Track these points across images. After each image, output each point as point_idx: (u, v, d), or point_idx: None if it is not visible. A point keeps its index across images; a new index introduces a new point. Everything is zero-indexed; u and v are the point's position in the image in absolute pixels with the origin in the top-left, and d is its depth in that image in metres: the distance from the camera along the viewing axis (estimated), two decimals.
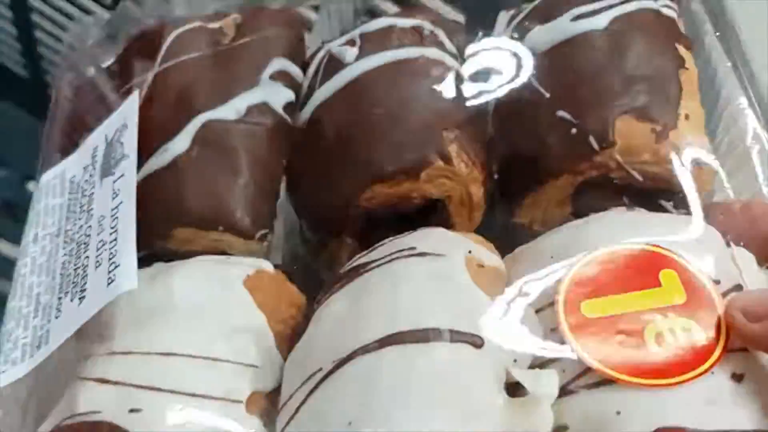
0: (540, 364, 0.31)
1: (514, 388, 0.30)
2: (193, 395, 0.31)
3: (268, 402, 0.34)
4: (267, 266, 0.37)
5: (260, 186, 0.42)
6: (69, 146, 0.45)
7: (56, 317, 0.35)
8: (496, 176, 0.42)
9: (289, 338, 0.36)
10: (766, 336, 0.29)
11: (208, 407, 0.32)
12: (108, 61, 0.47)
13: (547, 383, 0.29)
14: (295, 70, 0.44)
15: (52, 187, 0.43)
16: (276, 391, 0.35)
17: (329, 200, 0.40)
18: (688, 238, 0.34)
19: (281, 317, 0.36)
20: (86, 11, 0.71)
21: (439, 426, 0.28)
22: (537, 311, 0.33)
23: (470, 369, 0.30)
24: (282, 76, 0.43)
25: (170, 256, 0.39)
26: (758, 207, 0.35)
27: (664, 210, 0.38)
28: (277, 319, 0.35)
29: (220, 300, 0.35)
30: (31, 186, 0.75)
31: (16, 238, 0.43)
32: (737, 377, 0.29)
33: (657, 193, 0.39)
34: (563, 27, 0.41)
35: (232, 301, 0.35)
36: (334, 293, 0.34)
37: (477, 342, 0.31)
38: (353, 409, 0.29)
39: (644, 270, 0.32)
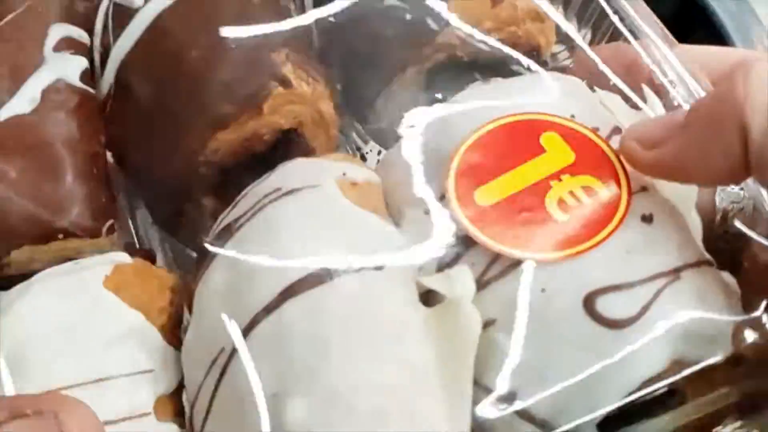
0: (447, 264, 0.29)
1: (429, 298, 0.29)
2: None
3: (176, 402, 0.31)
4: (123, 258, 0.33)
5: (88, 175, 0.37)
6: None
7: None
8: (339, 87, 0.39)
9: (173, 327, 0.33)
10: (663, 163, 0.28)
11: None
12: None
13: (461, 281, 0.28)
14: (79, 33, 0.38)
15: None
16: (181, 388, 0.31)
17: (171, 167, 0.36)
18: (553, 95, 0.33)
19: (158, 307, 0.32)
20: None
21: (368, 366, 0.26)
22: (426, 212, 0.31)
23: (379, 294, 0.28)
24: (67, 44, 0.38)
25: (12, 281, 0.34)
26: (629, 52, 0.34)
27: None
28: (155, 311, 0.32)
29: (85, 311, 0.30)
30: None
31: None
32: (647, 218, 0.29)
33: (507, 61, 0.38)
34: None
35: (98, 309, 0.31)
36: (208, 266, 0.30)
37: (377, 265, 0.29)
38: (272, 381, 0.27)
39: (524, 140, 0.31)
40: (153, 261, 0.36)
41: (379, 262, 0.29)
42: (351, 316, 0.27)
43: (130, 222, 0.40)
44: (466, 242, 0.30)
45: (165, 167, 0.36)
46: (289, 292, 0.28)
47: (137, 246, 0.41)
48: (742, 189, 0.32)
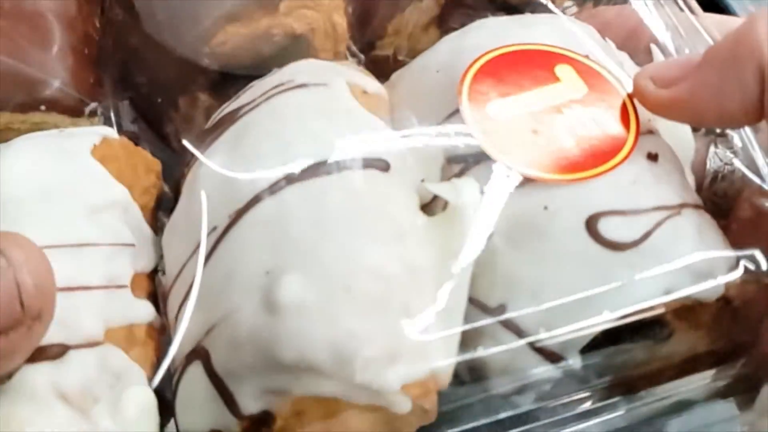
0: (450, 178, 0.30)
1: (431, 208, 0.29)
2: (69, 289, 0.26)
3: (152, 284, 0.30)
4: (111, 133, 0.33)
5: (78, 53, 0.36)
6: None
7: None
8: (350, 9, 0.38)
9: (153, 210, 0.32)
10: (676, 101, 0.28)
11: (89, 300, 0.27)
12: None
13: (467, 190, 0.28)
14: None
15: None
16: (155, 271, 0.31)
17: (174, 53, 0.35)
18: (569, 35, 0.33)
19: (143, 187, 0.32)
20: None
21: (368, 251, 0.26)
22: (439, 123, 0.31)
23: (383, 193, 0.28)
24: None
25: None
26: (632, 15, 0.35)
27: None
28: (139, 189, 0.31)
29: (70, 176, 0.30)
30: None
31: None
32: (653, 157, 0.29)
33: (521, 6, 0.38)
34: None
35: (85, 175, 0.30)
36: (208, 147, 0.30)
37: (383, 166, 0.29)
38: (268, 257, 0.26)
39: (539, 68, 0.32)
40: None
41: (385, 165, 0.29)
42: (354, 209, 0.27)
43: (113, 115, 0.39)
44: (472, 156, 0.30)
45: (168, 52, 0.35)
46: (293, 177, 0.28)
47: None
48: (733, 151, 0.32)
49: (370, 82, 0.33)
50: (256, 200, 0.27)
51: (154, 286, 0.31)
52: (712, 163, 0.33)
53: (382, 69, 0.37)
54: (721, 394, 0.30)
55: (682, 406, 0.30)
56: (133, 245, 0.30)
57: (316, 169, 0.28)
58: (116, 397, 0.26)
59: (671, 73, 0.29)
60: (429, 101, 0.32)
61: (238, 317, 0.26)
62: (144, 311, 0.29)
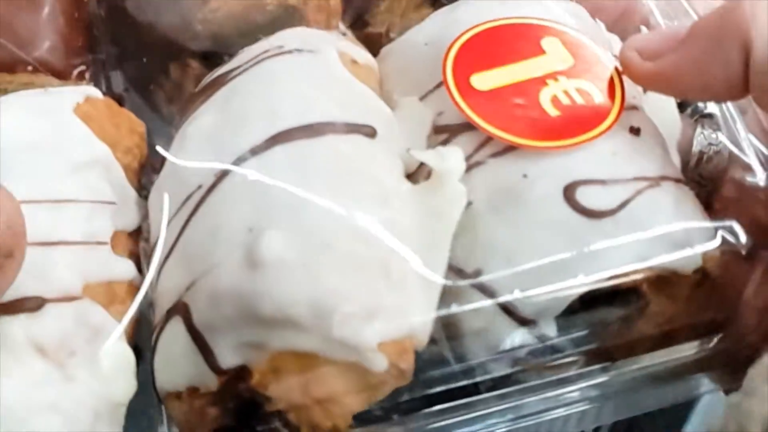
0: (436, 147, 0.30)
1: (416, 177, 0.30)
2: (47, 244, 0.27)
3: (132, 243, 0.31)
4: (95, 93, 0.34)
5: (67, 16, 0.37)
6: None
7: None
8: None
9: (137, 171, 0.33)
10: (660, 75, 0.29)
11: (68, 255, 0.27)
12: None
13: (451, 158, 0.29)
14: None
15: None
16: (138, 231, 0.31)
17: (167, 17, 0.35)
18: (557, 12, 0.34)
19: (125, 147, 0.32)
20: None
21: (351, 211, 0.27)
22: (422, 98, 0.31)
23: (369, 157, 0.29)
24: None
25: None
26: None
27: None
28: (122, 149, 0.32)
29: (53, 134, 0.30)
30: None
31: None
32: (635, 131, 0.30)
33: None
34: None
35: (67, 133, 0.31)
36: (197, 109, 0.31)
37: (369, 132, 0.29)
38: (251, 215, 0.27)
39: (525, 41, 0.32)
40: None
41: (371, 131, 0.30)
42: (338, 170, 0.28)
43: (103, 83, 0.40)
44: (456, 126, 0.30)
45: (161, 17, 0.35)
46: (280, 138, 0.28)
47: None
48: (719, 132, 0.33)
49: (360, 52, 0.34)
50: (242, 159, 0.28)
51: (137, 246, 0.31)
52: (698, 144, 0.34)
53: (374, 46, 0.37)
54: (702, 368, 0.31)
55: (662, 378, 0.30)
56: (114, 203, 0.30)
57: (303, 131, 0.29)
58: (93, 351, 0.27)
59: (657, 45, 0.30)
60: (416, 73, 0.33)
61: (219, 272, 0.27)
62: (124, 269, 0.29)
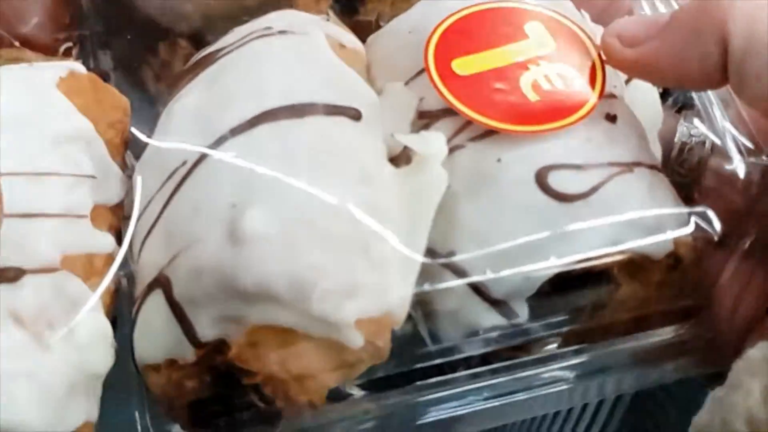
0: (418, 131, 0.31)
1: (398, 161, 0.31)
2: (27, 216, 0.27)
3: (113, 217, 0.31)
4: (79, 68, 0.34)
5: None
6: None
7: None
8: None
9: (119, 146, 0.33)
10: (639, 62, 0.30)
11: (47, 227, 0.28)
12: None
13: (434, 142, 0.30)
14: None
15: None
16: (119, 206, 0.32)
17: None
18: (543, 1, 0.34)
19: (108, 122, 0.33)
20: None
21: (334, 190, 0.28)
22: (406, 83, 0.32)
23: (353, 139, 0.30)
24: None
25: None
26: None
27: None
28: (104, 124, 0.33)
29: (35, 107, 0.31)
30: None
31: None
32: (612, 118, 0.30)
33: None
34: None
35: (49, 107, 0.31)
36: (184, 86, 0.31)
37: (355, 115, 0.30)
38: (234, 191, 0.28)
39: (508, 25, 0.33)
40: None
41: (357, 114, 0.31)
42: (323, 150, 0.29)
43: (91, 60, 0.40)
44: (437, 112, 0.31)
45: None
46: (265, 117, 0.29)
47: None
48: (702, 122, 0.33)
49: (347, 36, 0.35)
50: (227, 136, 0.29)
51: (118, 221, 0.32)
52: (680, 135, 0.34)
53: (363, 34, 0.38)
54: (679, 354, 0.31)
55: (637, 362, 0.31)
56: (94, 177, 0.31)
57: (288, 111, 0.29)
58: (70, 322, 0.27)
59: (637, 32, 0.30)
60: (400, 60, 0.34)
61: (201, 246, 0.28)
62: (103, 242, 0.30)
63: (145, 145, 0.33)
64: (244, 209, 0.27)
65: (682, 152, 0.34)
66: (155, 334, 0.28)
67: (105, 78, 0.36)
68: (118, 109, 0.34)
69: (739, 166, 0.32)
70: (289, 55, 0.32)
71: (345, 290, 0.27)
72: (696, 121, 0.34)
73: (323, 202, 0.28)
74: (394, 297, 0.28)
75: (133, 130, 0.33)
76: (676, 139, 0.35)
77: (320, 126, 0.29)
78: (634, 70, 0.31)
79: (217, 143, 0.29)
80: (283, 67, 0.31)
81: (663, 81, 0.31)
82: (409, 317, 0.29)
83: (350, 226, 0.28)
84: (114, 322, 0.30)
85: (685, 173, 0.34)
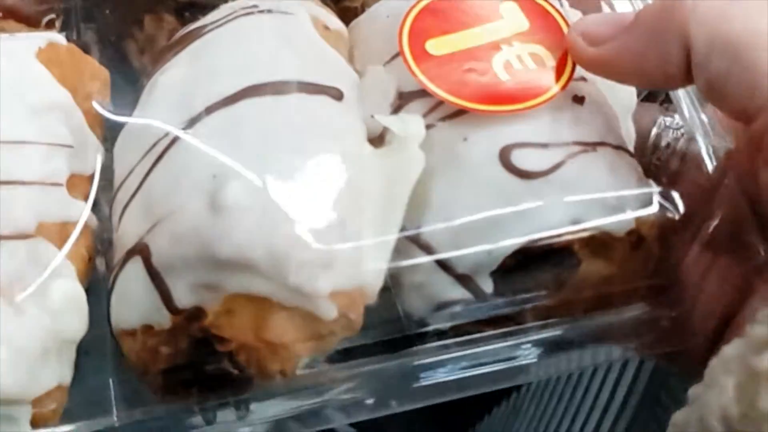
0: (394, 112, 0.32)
1: (377, 142, 0.32)
2: (4, 183, 0.28)
3: (88, 186, 0.32)
4: (59, 39, 0.35)
5: None
6: None
7: None
8: None
9: (97, 117, 0.34)
10: (602, 61, 0.31)
11: (23, 194, 0.29)
12: None
13: (413, 124, 0.31)
14: None
15: None
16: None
17: None
18: None
19: (86, 92, 0.34)
20: None
21: (314, 165, 0.29)
22: (384, 65, 0.33)
23: (334, 117, 0.31)
24: None
25: None
26: None
27: None
28: (83, 95, 0.33)
29: (13, 77, 0.32)
30: None
31: None
32: (579, 99, 0.31)
33: None
34: None
35: (28, 77, 0.32)
36: (169, 60, 0.32)
37: (336, 95, 0.31)
38: (216, 162, 0.29)
39: (483, 6, 0.33)
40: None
41: (339, 94, 0.32)
42: (304, 125, 0.30)
43: (74, 32, 0.40)
44: (412, 93, 0.32)
45: None
46: (249, 92, 0.30)
47: None
48: (679, 119, 0.34)
49: (331, 19, 0.36)
50: (211, 110, 0.30)
51: (93, 190, 0.32)
52: (659, 127, 0.35)
53: (348, 20, 0.39)
54: (644, 332, 0.32)
55: (600, 339, 0.32)
56: (71, 146, 0.31)
57: (272, 87, 0.30)
58: (44, 288, 0.28)
59: (601, 31, 0.31)
60: (378, 44, 0.35)
61: (182, 214, 0.28)
62: (78, 210, 0.31)
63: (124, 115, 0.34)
64: (226, 180, 0.28)
65: (658, 147, 0.35)
66: (132, 300, 0.29)
67: (86, 50, 0.36)
68: (96, 79, 0.35)
69: (704, 149, 0.32)
70: (275, 34, 0.33)
71: (321, 262, 0.28)
72: (676, 116, 0.35)
73: (303, 177, 0.29)
74: (368, 272, 0.29)
75: (100, 107, 0.34)
76: (653, 130, 0.35)
77: (303, 103, 0.30)
78: (597, 68, 0.31)
79: (200, 116, 0.30)
80: (268, 45, 0.32)
81: (624, 80, 0.32)
82: (385, 291, 0.29)
83: (329, 201, 0.29)
84: (89, 291, 0.30)
85: (662, 165, 0.35)
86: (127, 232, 0.30)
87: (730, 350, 0.24)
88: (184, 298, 0.28)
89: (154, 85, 0.33)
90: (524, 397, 0.83)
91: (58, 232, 0.30)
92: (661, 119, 0.36)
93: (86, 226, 0.31)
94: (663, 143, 0.36)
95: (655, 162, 0.35)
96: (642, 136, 0.35)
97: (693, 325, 0.31)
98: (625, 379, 0.61)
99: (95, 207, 0.32)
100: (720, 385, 0.23)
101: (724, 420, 0.22)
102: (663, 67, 0.29)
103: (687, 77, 0.29)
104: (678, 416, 0.25)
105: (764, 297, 0.29)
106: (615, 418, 0.57)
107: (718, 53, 0.28)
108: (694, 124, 0.34)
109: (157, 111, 0.32)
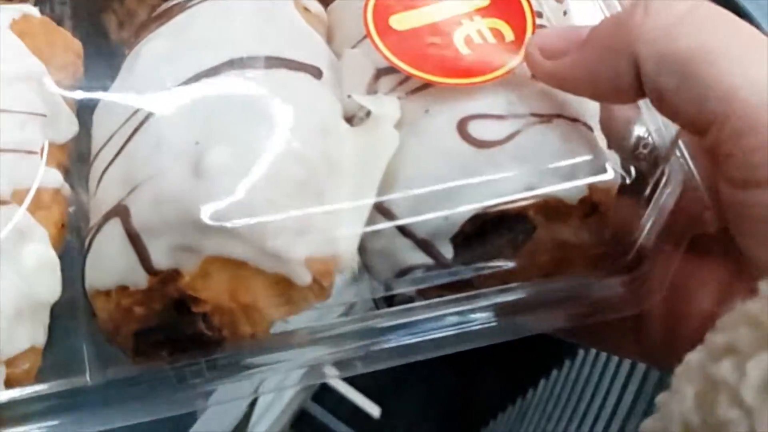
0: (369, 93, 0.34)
1: (351, 121, 0.33)
2: None
3: (62, 155, 0.33)
4: (32, 11, 0.36)
5: None
6: None
7: None
8: None
9: (71, 88, 0.35)
10: (556, 75, 0.32)
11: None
12: None
13: (388, 104, 0.32)
14: None
15: None
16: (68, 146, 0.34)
17: None
18: None
19: (60, 64, 0.35)
20: None
21: (293, 137, 0.30)
22: (354, 46, 0.35)
23: (314, 93, 0.32)
24: None
25: None
26: None
27: None
28: (56, 66, 0.35)
29: None
30: None
31: None
32: None
33: None
34: None
35: (2, 48, 0.33)
36: (151, 32, 0.34)
37: (316, 73, 0.33)
38: (199, 130, 0.30)
39: None
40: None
41: (318, 72, 0.33)
42: (285, 98, 0.31)
43: (49, 6, 0.41)
44: (381, 71, 0.34)
45: None
46: (231, 65, 0.32)
47: None
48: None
49: (312, 2, 0.37)
50: (193, 79, 0.31)
51: (67, 158, 0.33)
52: (637, 128, 0.36)
53: (328, 4, 0.39)
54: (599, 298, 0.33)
55: (558, 303, 0.33)
56: (45, 116, 0.32)
57: (255, 62, 0.32)
58: (18, 252, 0.29)
59: (557, 45, 0.32)
60: (352, 25, 0.36)
61: (164, 178, 0.30)
62: (52, 177, 0.32)
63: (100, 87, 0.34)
64: (209, 146, 0.29)
65: (638, 146, 0.36)
66: (109, 261, 0.30)
67: (60, 23, 0.37)
68: (70, 51, 0.36)
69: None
70: (258, 11, 0.34)
71: (298, 229, 0.29)
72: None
73: (283, 147, 0.30)
74: (342, 241, 0.30)
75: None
76: (635, 132, 0.36)
77: (285, 79, 0.32)
78: (552, 81, 0.32)
79: (183, 85, 0.31)
80: (251, 22, 0.34)
81: (579, 94, 0.32)
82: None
83: (307, 172, 0.30)
84: (62, 258, 0.32)
85: (641, 166, 0.36)
86: (106, 195, 0.31)
87: (692, 357, 0.24)
88: (162, 259, 0.29)
89: (137, 55, 0.34)
90: (530, 402, 0.84)
91: (32, 199, 0.31)
92: (640, 121, 0.37)
93: (60, 193, 0.32)
94: (643, 147, 0.36)
95: (637, 164, 0.36)
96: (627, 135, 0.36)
97: (648, 289, 0.32)
98: (633, 384, 0.63)
99: (68, 175, 0.33)
100: (681, 393, 0.23)
101: (685, 428, 0.23)
102: (615, 82, 0.30)
103: (639, 92, 0.30)
104: (646, 424, 0.25)
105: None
106: (622, 424, 0.58)
107: (666, 70, 0.29)
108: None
109: (139, 80, 0.33)
